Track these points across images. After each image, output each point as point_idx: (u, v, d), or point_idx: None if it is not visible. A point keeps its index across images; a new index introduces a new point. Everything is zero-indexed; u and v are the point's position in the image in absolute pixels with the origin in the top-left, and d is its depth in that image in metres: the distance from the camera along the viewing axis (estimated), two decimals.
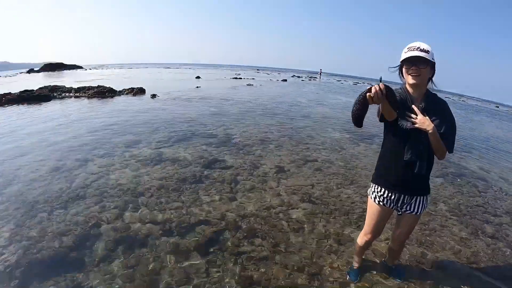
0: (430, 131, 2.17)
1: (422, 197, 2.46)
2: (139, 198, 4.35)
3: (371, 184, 2.61)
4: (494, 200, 5.49)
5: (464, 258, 3.59)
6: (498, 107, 54.06)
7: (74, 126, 8.29)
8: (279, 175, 5.45)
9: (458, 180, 6.27)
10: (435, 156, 2.32)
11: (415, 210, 2.48)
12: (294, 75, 58.98)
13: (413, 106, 2.23)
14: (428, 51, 2.13)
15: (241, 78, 34.68)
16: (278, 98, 16.79)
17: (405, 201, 2.46)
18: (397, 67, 2.30)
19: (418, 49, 2.13)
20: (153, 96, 14.90)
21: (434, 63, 2.20)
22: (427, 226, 4.22)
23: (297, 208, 4.35)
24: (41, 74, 37.97)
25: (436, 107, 2.27)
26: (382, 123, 2.41)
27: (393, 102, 1.99)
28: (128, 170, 5.27)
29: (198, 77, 32.83)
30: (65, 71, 47.48)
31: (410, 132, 2.24)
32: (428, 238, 3.93)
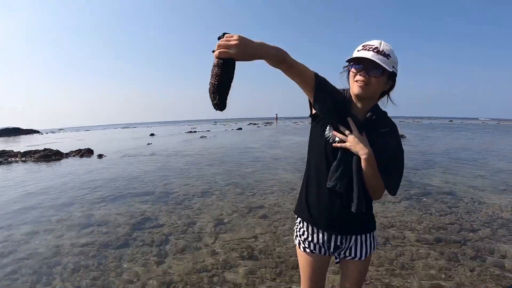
0: (363, 156, 1.49)
1: (363, 236, 1.70)
2: (55, 269, 3.68)
3: (295, 218, 1.84)
4: (467, 214, 5.03)
5: None
6: (451, 121, 57.23)
7: (10, 192, 7.77)
8: (217, 229, 4.61)
9: (424, 199, 5.79)
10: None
11: (358, 255, 1.68)
12: (251, 123, 59.83)
13: (348, 118, 1.55)
14: (388, 55, 1.46)
15: (195, 132, 34.48)
16: (229, 146, 16.32)
17: (338, 243, 1.67)
18: (345, 68, 1.60)
19: (375, 50, 1.46)
20: (100, 156, 14.43)
21: (395, 73, 1.52)
22: (395, 262, 3.50)
23: (236, 267, 3.51)
24: None
25: (381, 127, 1.59)
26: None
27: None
28: (51, 237, 4.61)
29: (152, 134, 32.50)
30: (21, 136, 48.37)
31: (338, 151, 1.55)
32: (398, 278, 3.18)
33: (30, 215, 5.69)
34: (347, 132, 1.52)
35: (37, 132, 61.08)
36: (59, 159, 14.44)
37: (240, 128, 37.68)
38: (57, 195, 7.06)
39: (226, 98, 1.28)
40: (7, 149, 17.31)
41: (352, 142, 1.50)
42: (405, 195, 5.96)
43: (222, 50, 1.19)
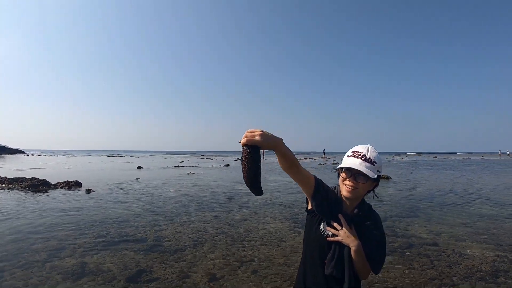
0: (353, 248, 1.83)
1: None
2: None
3: None
4: (448, 267, 5.27)
5: None
6: (436, 157, 58.14)
7: (1, 226, 7.97)
8: (211, 285, 4.76)
9: (407, 253, 5.99)
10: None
11: None
12: (237, 159, 59.68)
13: (339, 215, 1.90)
14: (374, 162, 1.83)
15: (183, 166, 34.69)
16: (217, 188, 16.29)
17: None
18: (337, 170, 2.00)
19: (363, 158, 1.83)
20: (88, 191, 14.36)
21: (379, 177, 1.90)
22: None
23: None
24: None
25: (367, 221, 1.95)
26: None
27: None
28: (46, 287, 4.58)
29: (139, 167, 32.61)
30: (6, 155, 48.01)
31: (332, 243, 1.90)
32: None
33: (22, 258, 5.68)
34: (338, 227, 1.87)
35: (22, 152, 60.96)
36: (46, 190, 14.54)
37: (227, 165, 37.60)
38: (46, 236, 7.11)
39: (260, 185, 1.67)
40: None
41: (344, 236, 1.84)
42: (390, 248, 6.17)
43: (249, 138, 1.56)
